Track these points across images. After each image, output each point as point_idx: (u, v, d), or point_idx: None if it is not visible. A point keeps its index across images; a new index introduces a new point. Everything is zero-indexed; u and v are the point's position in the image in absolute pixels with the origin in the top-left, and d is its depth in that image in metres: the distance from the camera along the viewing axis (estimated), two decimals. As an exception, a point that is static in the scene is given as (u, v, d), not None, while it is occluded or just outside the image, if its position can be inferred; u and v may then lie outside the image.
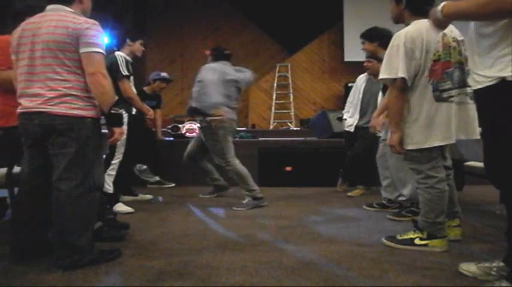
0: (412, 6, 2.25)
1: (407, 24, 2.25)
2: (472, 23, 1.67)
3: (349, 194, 4.08)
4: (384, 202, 3.44)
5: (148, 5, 8.87)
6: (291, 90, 8.67)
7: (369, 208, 3.44)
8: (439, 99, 2.14)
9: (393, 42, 2.18)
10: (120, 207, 3.30)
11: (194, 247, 2.33)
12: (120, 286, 1.79)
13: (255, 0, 8.63)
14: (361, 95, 4.04)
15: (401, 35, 2.16)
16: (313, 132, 5.77)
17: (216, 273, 1.90)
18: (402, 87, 2.16)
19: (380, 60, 3.61)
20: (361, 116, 4.03)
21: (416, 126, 2.18)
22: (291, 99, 8.63)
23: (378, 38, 3.42)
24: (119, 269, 1.97)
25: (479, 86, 1.63)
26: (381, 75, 2.23)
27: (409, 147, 2.22)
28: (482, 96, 1.66)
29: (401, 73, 2.12)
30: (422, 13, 2.20)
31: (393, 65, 2.15)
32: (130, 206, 3.35)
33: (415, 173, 2.26)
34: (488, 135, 1.68)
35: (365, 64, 3.98)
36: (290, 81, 8.68)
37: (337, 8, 8.55)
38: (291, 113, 8.53)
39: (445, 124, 2.15)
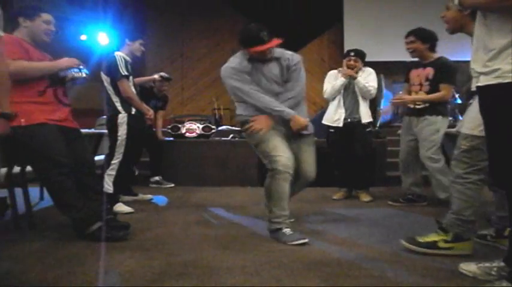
0: None
1: (469, 33, 1.97)
2: (478, 19, 1.67)
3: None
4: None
5: (148, 5, 8.87)
6: (291, 90, 8.65)
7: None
8: None
9: None
10: (120, 207, 3.30)
11: (194, 247, 2.33)
12: (120, 286, 1.79)
13: (255, 1, 8.63)
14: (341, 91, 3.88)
15: None
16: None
17: (216, 273, 1.90)
18: None
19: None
20: (350, 111, 3.84)
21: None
22: (291, 99, 8.62)
23: (430, 40, 3.34)
24: (119, 269, 1.97)
25: (480, 84, 1.63)
26: None
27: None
28: (483, 95, 1.66)
29: None
30: None
31: None
32: (130, 206, 3.35)
33: (465, 167, 2.08)
34: (490, 134, 1.67)
35: (351, 63, 3.79)
36: (290, 81, 8.67)
37: (337, 8, 8.55)
38: (291, 113, 8.52)
39: None
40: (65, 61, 2.56)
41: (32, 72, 2.42)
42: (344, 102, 3.89)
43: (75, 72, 2.56)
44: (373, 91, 3.84)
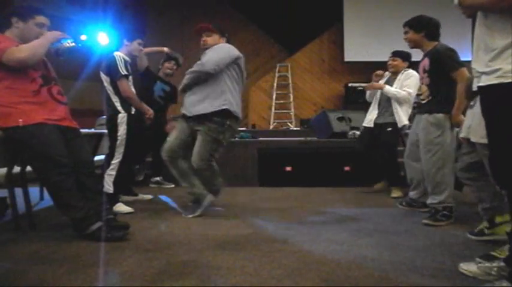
0: None
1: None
2: (479, 19, 1.67)
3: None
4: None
5: (148, 5, 8.88)
6: (291, 91, 8.67)
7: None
8: None
9: None
10: (120, 207, 3.30)
11: (194, 247, 2.33)
12: (120, 286, 1.79)
13: (255, 0, 8.63)
14: (378, 92, 4.11)
15: None
16: (313, 132, 5.78)
17: (216, 273, 1.90)
18: None
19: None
20: (381, 114, 4.05)
21: None
22: (291, 99, 8.63)
23: (424, 28, 3.02)
24: (119, 269, 1.97)
25: (482, 84, 1.63)
26: None
27: None
28: (484, 95, 1.66)
29: None
30: None
31: None
32: (130, 206, 3.35)
33: None
34: (491, 134, 1.67)
35: (389, 63, 4.00)
36: (290, 81, 8.68)
37: (337, 8, 8.55)
38: (291, 113, 8.53)
39: None
40: (51, 33, 2.49)
41: (39, 49, 2.38)
42: (379, 105, 4.08)
43: (65, 43, 2.49)
44: (406, 96, 3.84)
